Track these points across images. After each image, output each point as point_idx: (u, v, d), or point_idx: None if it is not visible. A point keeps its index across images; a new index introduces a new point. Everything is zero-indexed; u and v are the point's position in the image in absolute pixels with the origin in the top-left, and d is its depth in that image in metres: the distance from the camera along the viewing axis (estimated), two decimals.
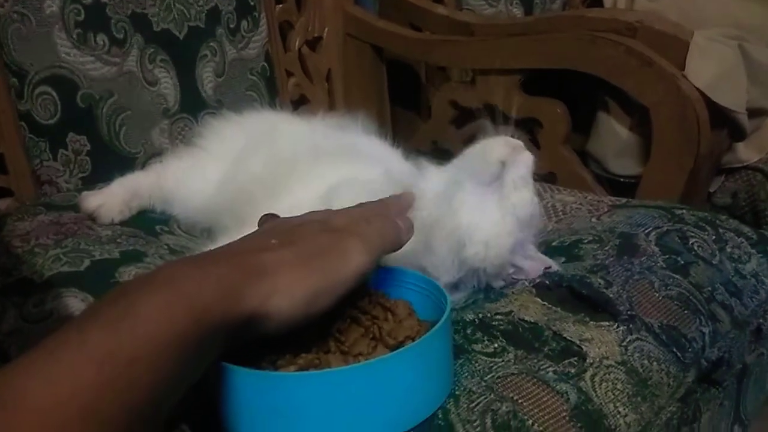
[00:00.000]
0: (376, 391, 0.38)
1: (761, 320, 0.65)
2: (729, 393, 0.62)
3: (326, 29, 1.15)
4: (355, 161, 0.71)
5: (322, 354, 0.44)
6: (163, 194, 0.82)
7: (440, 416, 0.43)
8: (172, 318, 0.35)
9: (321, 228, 0.46)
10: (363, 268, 0.44)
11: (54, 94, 0.86)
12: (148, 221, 0.79)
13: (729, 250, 0.68)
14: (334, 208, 0.54)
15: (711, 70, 0.82)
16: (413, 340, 0.44)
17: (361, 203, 0.54)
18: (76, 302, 0.59)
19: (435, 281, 0.50)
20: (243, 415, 0.40)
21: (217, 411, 0.42)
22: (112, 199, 0.79)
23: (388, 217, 0.50)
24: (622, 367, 0.50)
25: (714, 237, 0.69)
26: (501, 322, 0.53)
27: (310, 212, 0.52)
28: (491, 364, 0.48)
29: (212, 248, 0.46)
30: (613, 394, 0.48)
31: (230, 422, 0.41)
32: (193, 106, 0.97)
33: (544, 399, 0.46)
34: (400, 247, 0.49)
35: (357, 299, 0.49)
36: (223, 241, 0.64)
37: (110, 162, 0.90)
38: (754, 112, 0.89)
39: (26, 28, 0.83)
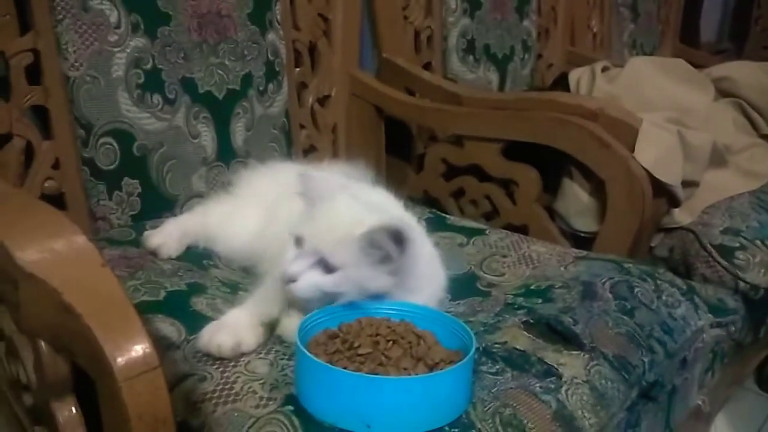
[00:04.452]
0: (432, 394, 0.57)
1: (687, 353, 0.85)
2: (662, 407, 0.82)
3: (334, 89, 1.33)
4: None
5: (378, 366, 0.62)
6: (207, 234, 0.98)
7: (464, 416, 0.61)
8: None
9: None
10: None
11: (114, 144, 1.00)
12: (196, 256, 0.95)
13: (664, 298, 0.88)
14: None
15: (655, 152, 1.03)
16: (445, 362, 0.62)
17: None
18: (165, 326, 0.75)
19: (456, 318, 0.68)
20: (322, 399, 0.59)
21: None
22: (170, 238, 0.94)
23: None
24: (587, 385, 0.70)
25: (653, 287, 0.89)
26: (499, 350, 0.72)
27: None
28: (495, 381, 0.67)
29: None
30: (581, 404, 0.68)
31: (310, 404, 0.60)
32: (226, 156, 1.13)
33: (534, 406, 0.64)
34: None
35: (395, 326, 0.67)
36: (264, 281, 0.81)
37: (156, 202, 1.05)
38: (687, 184, 1.12)
39: (96, 89, 0.98)
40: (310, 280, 0.68)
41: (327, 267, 0.68)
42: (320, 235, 0.69)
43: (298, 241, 0.70)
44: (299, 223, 0.72)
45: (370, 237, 0.67)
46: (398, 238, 0.68)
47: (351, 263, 0.67)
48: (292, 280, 0.68)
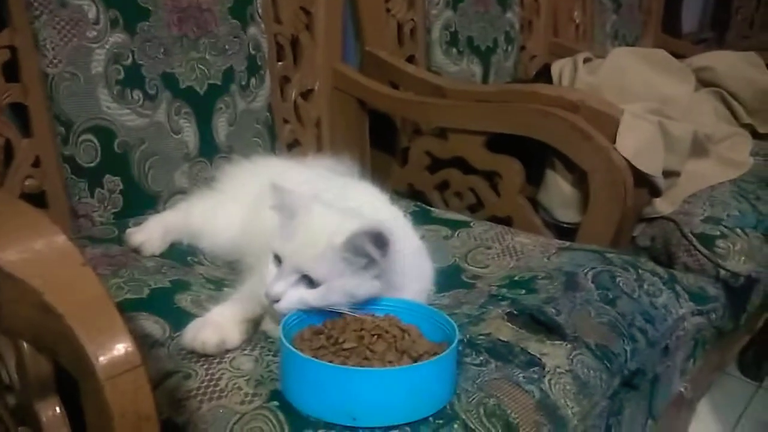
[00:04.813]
0: (416, 385, 0.57)
1: (668, 341, 0.87)
2: (644, 394, 0.84)
3: (317, 83, 1.32)
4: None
5: (363, 360, 0.62)
6: (190, 230, 0.97)
7: (449, 408, 0.62)
8: None
9: None
10: None
11: (95, 141, 1.00)
12: (179, 253, 0.95)
13: (646, 287, 0.89)
14: None
15: (636, 143, 1.04)
16: (429, 354, 0.62)
17: None
18: (149, 324, 0.74)
19: (439, 311, 0.69)
20: (308, 394, 0.59)
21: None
22: (153, 235, 0.94)
23: None
24: (569, 374, 0.71)
25: (635, 277, 0.90)
26: (483, 341, 0.73)
27: None
28: (479, 372, 0.68)
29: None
30: (564, 393, 0.68)
31: (296, 399, 0.60)
32: (209, 151, 1.12)
33: (518, 396, 0.65)
34: None
35: (379, 321, 0.67)
36: (248, 277, 0.81)
37: (138, 199, 1.05)
38: (668, 174, 1.13)
39: (75, 86, 0.97)
40: (295, 298, 0.67)
41: (311, 282, 0.67)
42: (299, 251, 0.67)
43: (278, 259, 0.69)
44: (276, 239, 0.70)
45: (351, 244, 0.66)
46: (380, 240, 0.66)
47: (335, 275, 0.66)
48: (275, 300, 0.67)
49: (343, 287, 0.67)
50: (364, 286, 0.68)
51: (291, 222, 0.69)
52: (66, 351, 0.48)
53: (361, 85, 1.32)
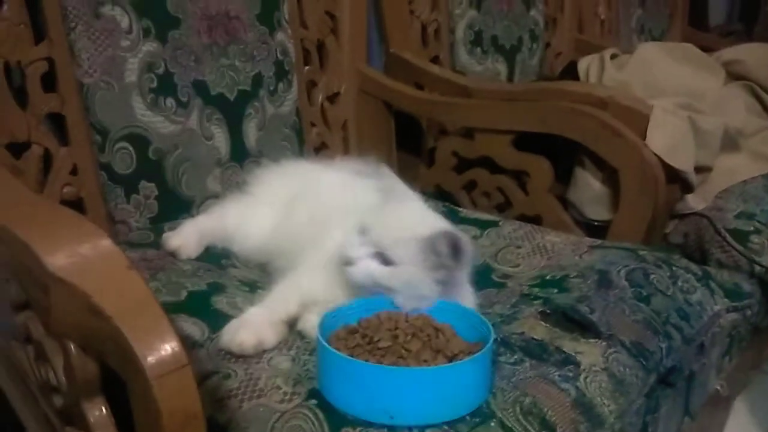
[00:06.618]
0: (453, 384, 0.58)
1: (704, 338, 0.86)
2: (680, 392, 0.83)
3: (343, 86, 1.34)
4: None
5: (398, 358, 0.63)
6: (224, 234, 0.99)
7: (485, 406, 0.62)
8: None
9: None
10: None
11: (130, 148, 1.02)
12: (214, 256, 0.96)
13: (680, 284, 0.89)
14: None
15: (666, 138, 1.03)
16: (464, 353, 0.63)
17: None
18: (188, 325, 0.76)
19: (473, 310, 0.69)
20: (346, 392, 0.60)
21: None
22: (188, 239, 0.96)
23: None
24: (605, 372, 0.71)
25: (669, 274, 0.90)
26: (517, 340, 0.73)
27: None
28: (514, 371, 0.68)
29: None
30: (600, 391, 0.68)
31: (334, 397, 0.61)
32: (240, 156, 1.14)
33: (554, 394, 0.65)
34: None
35: (413, 320, 0.68)
36: (280, 279, 0.82)
37: (173, 204, 1.07)
38: (700, 170, 1.12)
39: (110, 94, 0.99)
40: (367, 268, 0.71)
41: (384, 260, 0.70)
42: (387, 229, 0.72)
43: (363, 231, 0.73)
44: (369, 215, 0.75)
45: (432, 240, 0.70)
46: (457, 248, 0.70)
47: (408, 262, 0.70)
48: (349, 263, 0.71)
49: (409, 276, 0.70)
50: (425, 285, 0.71)
51: (387, 203, 0.77)
52: (114, 352, 0.49)
53: (387, 87, 1.33)
